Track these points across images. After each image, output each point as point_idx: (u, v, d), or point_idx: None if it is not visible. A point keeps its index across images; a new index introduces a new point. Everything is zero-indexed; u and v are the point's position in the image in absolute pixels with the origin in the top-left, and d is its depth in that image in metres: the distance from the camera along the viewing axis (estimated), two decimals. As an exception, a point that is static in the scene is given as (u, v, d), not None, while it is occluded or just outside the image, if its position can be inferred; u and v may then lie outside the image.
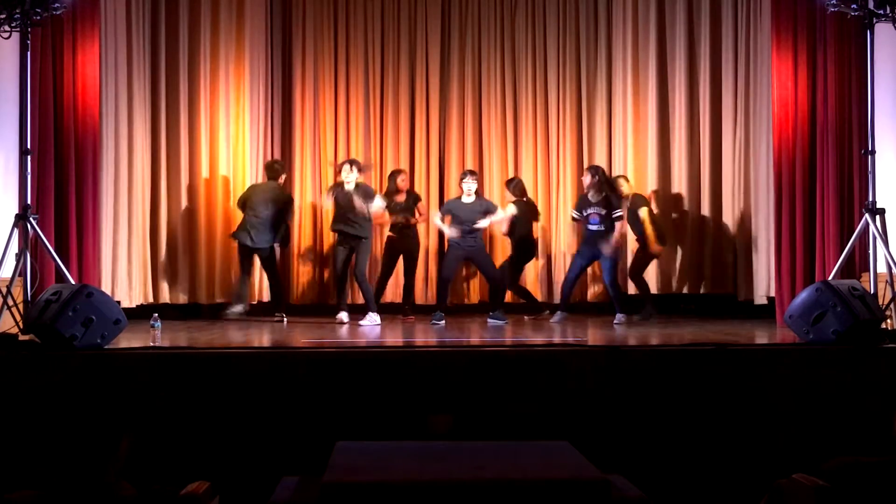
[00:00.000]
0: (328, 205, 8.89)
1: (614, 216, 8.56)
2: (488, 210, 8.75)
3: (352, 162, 8.69)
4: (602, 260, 8.67)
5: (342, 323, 8.44)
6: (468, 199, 8.67)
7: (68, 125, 7.74)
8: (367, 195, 8.47)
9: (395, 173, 9.35)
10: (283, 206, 9.01)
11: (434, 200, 9.95)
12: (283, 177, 9.29)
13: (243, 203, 8.99)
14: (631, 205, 8.94)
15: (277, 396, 5.60)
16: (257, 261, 9.07)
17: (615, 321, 8.50)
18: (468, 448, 4.33)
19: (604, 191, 8.63)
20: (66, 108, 7.73)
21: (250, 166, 9.62)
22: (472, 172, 8.94)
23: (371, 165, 9.44)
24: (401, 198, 9.16)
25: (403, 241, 9.20)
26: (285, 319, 8.84)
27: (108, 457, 2.55)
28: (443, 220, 8.80)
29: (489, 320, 8.48)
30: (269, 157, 9.77)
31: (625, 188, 9.08)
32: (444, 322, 8.41)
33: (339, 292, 8.81)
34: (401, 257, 9.29)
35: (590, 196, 8.70)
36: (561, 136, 10.11)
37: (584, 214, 8.69)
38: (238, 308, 8.77)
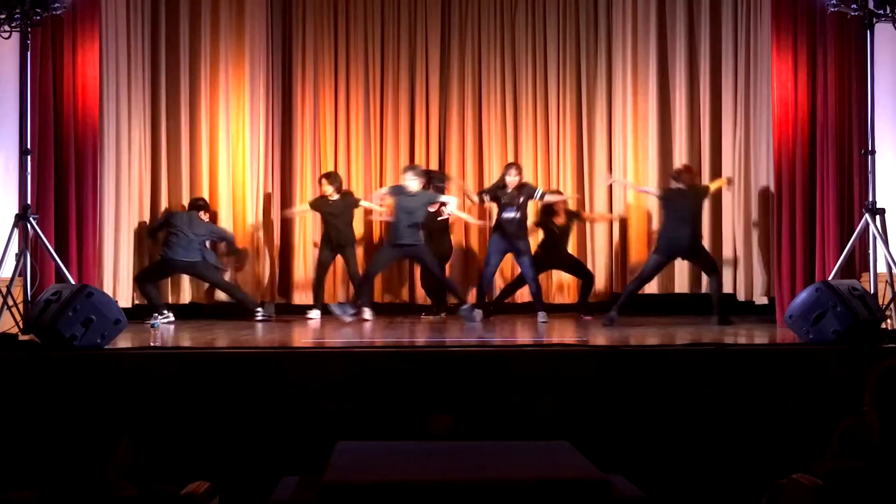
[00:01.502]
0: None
1: (538, 195, 8.75)
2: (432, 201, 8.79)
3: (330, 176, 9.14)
4: (518, 257, 8.78)
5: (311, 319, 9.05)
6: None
7: (68, 125, 7.74)
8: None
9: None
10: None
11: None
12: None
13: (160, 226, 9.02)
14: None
15: (278, 396, 5.59)
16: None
17: (540, 320, 8.53)
18: (468, 448, 4.33)
19: (521, 186, 8.75)
20: (66, 108, 7.73)
21: (250, 166, 9.61)
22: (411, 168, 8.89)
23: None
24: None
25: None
26: (261, 313, 8.90)
27: (108, 457, 2.55)
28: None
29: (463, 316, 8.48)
30: (269, 157, 9.79)
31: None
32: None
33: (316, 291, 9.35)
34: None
35: (508, 190, 8.69)
36: (561, 135, 10.11)
37: (503, 202, 8.66)
38: (169, 316, 8.76)
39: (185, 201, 9.38)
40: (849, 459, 2.92)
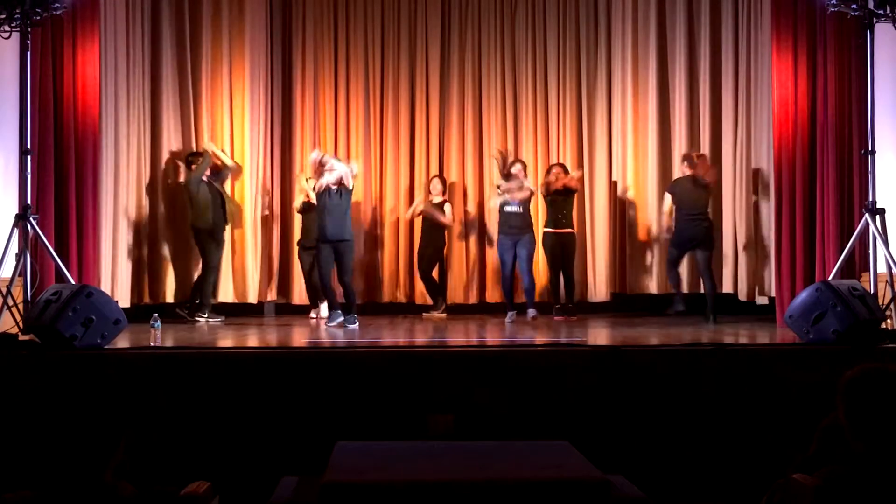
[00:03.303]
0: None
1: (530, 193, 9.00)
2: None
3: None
4: (520, 247, 8.86)
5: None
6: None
7: (68, 125, 7.74)
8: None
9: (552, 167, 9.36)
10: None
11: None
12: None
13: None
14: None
15: (277, 396, 5.59)
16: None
17: (530, 315, 8.70)
18: (468, 448, 4.33)
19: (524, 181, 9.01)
20: (66, 108, 7.72)
21: (250, 165, 9.62)
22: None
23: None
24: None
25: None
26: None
27: (108, 457, 2.55)
28: None
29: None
30: (269, 157, 9.79)
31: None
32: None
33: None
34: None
35: (512, 183, 8.88)
36: (561, 135, 10.11)
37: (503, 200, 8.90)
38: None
39: (186, 201, 9.38)
40: (839, 460, 2.92)
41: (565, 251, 9.16)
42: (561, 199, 9.10)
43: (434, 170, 10.12)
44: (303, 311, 9.59)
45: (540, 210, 9.52)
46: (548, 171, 9.37)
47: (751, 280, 9.08)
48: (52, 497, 2.49)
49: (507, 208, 8.86)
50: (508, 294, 9.01)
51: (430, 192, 9.68)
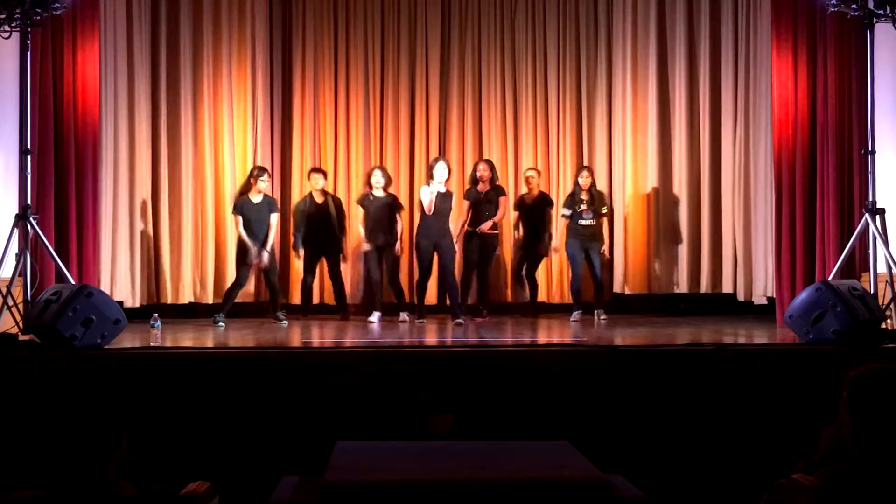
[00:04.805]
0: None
1: (604, 212, 9.20)
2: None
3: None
4: (591, 252, 9.02)
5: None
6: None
7: (68, 125, 7.74)
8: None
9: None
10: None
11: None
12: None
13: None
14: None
15: (277, 396, 5.59)
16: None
17: (602, 318, 8.82)
18: (468, 448, 4.33)
19: (592, 189, 9.16)
20: (66, 108, 7.73)
21: (250, 166, 9.60)
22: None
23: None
24: (482, 188, 9.15)
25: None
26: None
27: (108, 456, 2.55)
28: None
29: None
30: (269, 157, 9.78)
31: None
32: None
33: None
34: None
35: (581, 195, 9.04)
36: (561, 135, 10.11)
37: (578, 210, 9.02)
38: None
39: (186, 201, 9.39)
40: (843, 461, 2.92)
41: (484, 252, 9.18)
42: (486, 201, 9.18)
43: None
44: (299, 310, 9.57)
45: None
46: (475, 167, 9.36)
47: (750, 280, 9.07)
48: (54, 497, 2.49)
49: (582, 221, 9.04)
50: (577, 294, 9.10)
51: (371, 185, 8.98)
